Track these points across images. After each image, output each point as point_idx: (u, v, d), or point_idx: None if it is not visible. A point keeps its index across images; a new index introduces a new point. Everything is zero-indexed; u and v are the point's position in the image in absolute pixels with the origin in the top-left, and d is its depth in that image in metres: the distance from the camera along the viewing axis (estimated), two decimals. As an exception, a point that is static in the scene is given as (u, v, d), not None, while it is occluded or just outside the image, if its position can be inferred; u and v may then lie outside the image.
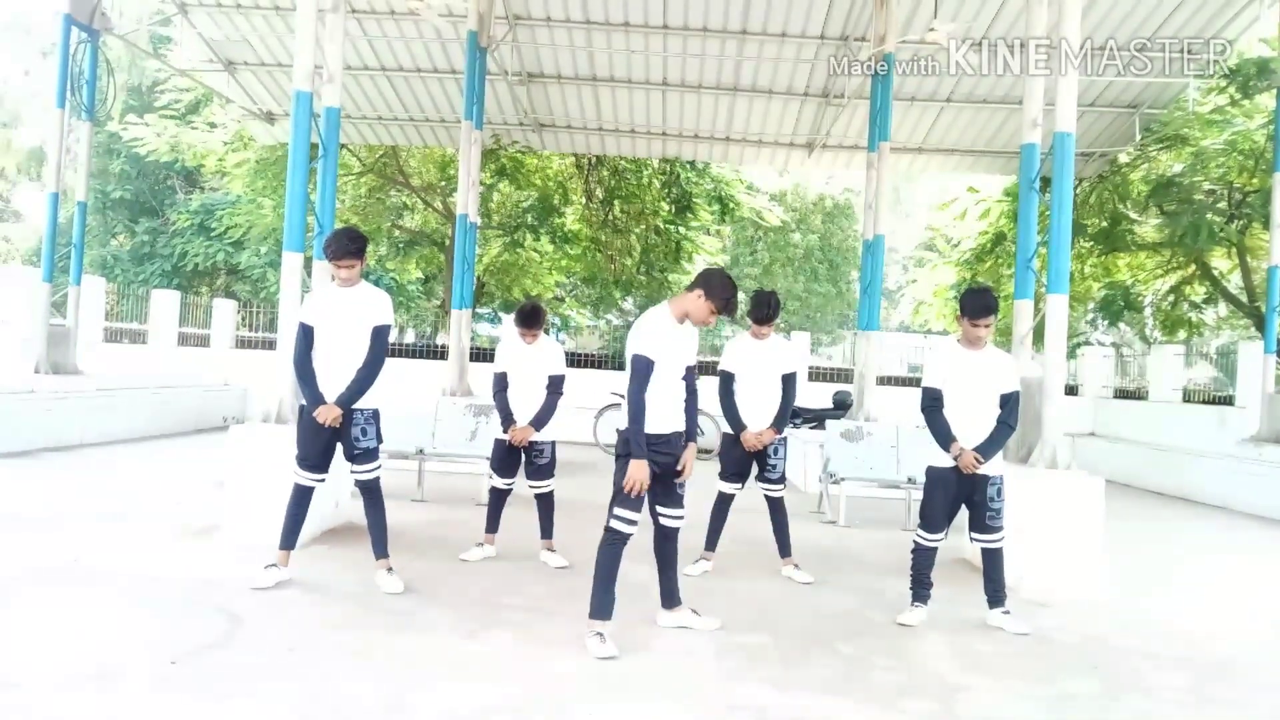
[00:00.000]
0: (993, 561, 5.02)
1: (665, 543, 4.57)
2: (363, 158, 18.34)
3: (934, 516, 4.97)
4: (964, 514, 5.04)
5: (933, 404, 4.93)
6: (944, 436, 4.87)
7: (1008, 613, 4.98)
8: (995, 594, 5.02)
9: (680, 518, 4.56)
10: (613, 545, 4.32)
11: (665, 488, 4.45)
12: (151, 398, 12.62)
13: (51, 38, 23.26)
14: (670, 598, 4.65)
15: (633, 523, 4.31)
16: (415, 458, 8.16)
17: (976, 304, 4.92)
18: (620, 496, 4.27)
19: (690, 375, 4.49)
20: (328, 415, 4.85)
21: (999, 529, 4.94)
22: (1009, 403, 4.90)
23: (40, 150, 26.09)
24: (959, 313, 4.99)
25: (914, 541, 5.04)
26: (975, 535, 5.02)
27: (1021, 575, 5.65)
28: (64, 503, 7.14)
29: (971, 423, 4.86)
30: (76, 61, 11.23)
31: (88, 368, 11.72)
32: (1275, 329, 11.39)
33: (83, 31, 11.24)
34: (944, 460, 4.90)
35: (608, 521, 4.31)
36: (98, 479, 8.47)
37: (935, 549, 5.00)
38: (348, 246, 4.87)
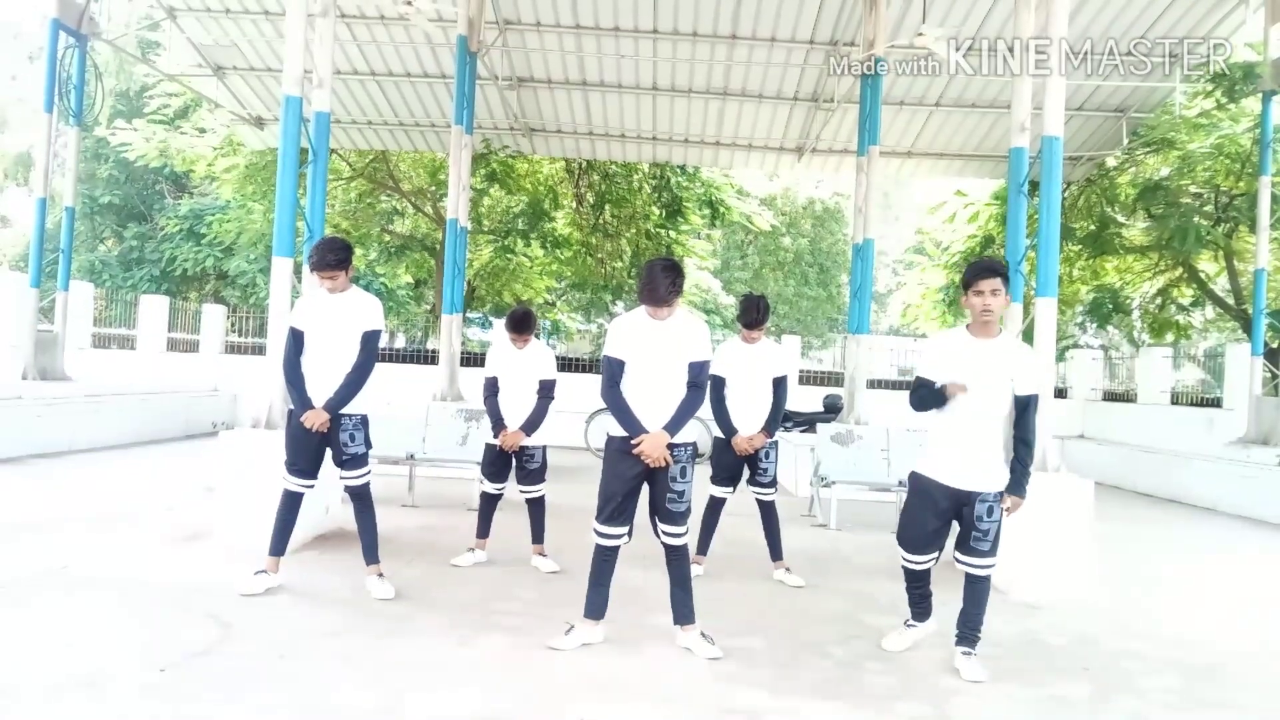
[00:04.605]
0: (973, 592, 4.20)
1: (670, 560, 4.35)
2: (353, 163, 18.34)
3: (915, 536, 4.23)
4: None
5: (919, 388, 4.20)
6: (934, 395, 4.11)
7: (969, 654, 4.19)
8: (966, 631, 4.23)
9: (677, 535, 4.29)
10: (599, 553, 4.33)
11: (657, 497, 4.27)
12: (140, 403, 12.55)
13: (39, 42, 23.19)
14: (678, 615, 4.37)
15: (612, 536, 4.26)
16: (406, 463, 8.13)
17: (976, 267, 4.09)
18: (598, 508, 4.27)
19: (697, 371, 4.22)
20: (314, 420, 4.83)
21: (985, 554, 4.12)
22: (1026, 408, 4.07)
23: (28, 155, 25.97)
24: (961, 293, 4.18)
25: (902, 566, 4.41)
26: (959, 557, 4.21)
27: (1012, 578, 5.67)
28: (53, 509, 7.08)
29: (974, 429, 4.08)
30: (64, 66, 11.20)
31: (76, 374, 11.66)
32: (1262, 331, 11.49)
33: (70, 36, 11.20)
34: (928, 466, 4.23)
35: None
36: (87, 485, 8.41)
37: (927, 571, 4.33)
38: (327, 258, 4.82)
